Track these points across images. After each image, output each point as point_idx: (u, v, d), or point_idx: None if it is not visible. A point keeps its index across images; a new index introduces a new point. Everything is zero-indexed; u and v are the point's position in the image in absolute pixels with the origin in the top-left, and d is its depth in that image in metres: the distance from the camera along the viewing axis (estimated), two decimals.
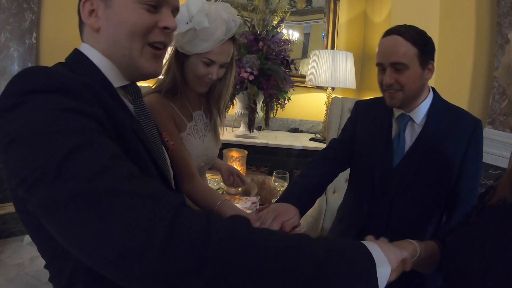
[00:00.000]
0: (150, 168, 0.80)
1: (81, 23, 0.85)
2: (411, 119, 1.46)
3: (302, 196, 1.43)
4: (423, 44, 1.34)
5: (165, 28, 0.84)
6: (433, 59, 1.39)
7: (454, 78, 2.87)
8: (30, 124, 0.59)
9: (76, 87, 0.64)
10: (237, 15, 1.45)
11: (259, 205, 2.02)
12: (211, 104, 1.60)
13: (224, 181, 1.79)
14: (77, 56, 0.83)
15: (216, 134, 1.64)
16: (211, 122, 1.62)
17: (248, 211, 1.91)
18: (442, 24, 2.91)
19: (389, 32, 1.38)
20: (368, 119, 1.59)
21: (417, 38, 1.33)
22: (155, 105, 1.40)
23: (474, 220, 0.98)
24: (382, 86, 1.42)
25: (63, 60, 0.84)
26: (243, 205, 2.00)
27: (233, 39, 1.45)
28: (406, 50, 1.32)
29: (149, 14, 0.81)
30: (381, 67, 1.41)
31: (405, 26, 1.37)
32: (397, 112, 1.50)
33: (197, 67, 1.42)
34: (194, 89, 1.50)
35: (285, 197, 1.40)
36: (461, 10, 2.96)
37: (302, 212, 1.38)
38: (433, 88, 1.49)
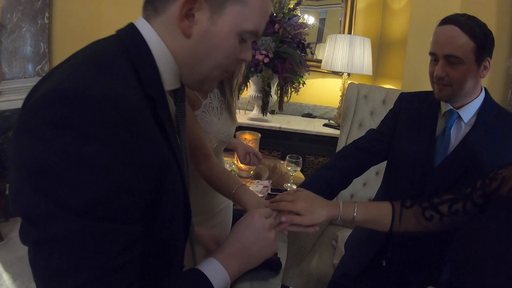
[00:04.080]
0: (178, 187, 0.76)
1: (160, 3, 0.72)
2: (459, 116, 1.36)
3: (324, 190, 1.36)
4: (482, 39, 1.24)
5: (242, 60, 0.79)
6: (490, 56, 1.30)
7: None
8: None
9: (122, 129, 0.56)
10: None
11: (271, 189, 2.03)
12: (224, 82, 1.59)
13: (240, 160, 1.80)
14: (140, 46, 0.71)
15: (231, 112, 1.64)
16: (226, 101, 1.62)
17: (260, 195, 1.92)
18: (463, 12, 2.86)
19: (446, 21, 1.28)
20: (412, 112, 1.49)
21: (476, 32, 1.23)
22: None
23: (486, 209, 1.00)
24: (432, 78, 1.33)
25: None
26: (255, 188, 2.01)
27: None
28: (463, 43, 1.23)
29: (239, 46, 0.75)
30: (434, 58, 1.32)
31: (464, 15, 1.27)
32: (444, 108, 1.40)
33: None
34: None
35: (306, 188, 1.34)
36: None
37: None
38: (485, 88, 1.39)
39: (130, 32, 0.72)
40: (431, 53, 1.32)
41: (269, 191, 2.01)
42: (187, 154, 0.92)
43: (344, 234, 2.09)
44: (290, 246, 1.99)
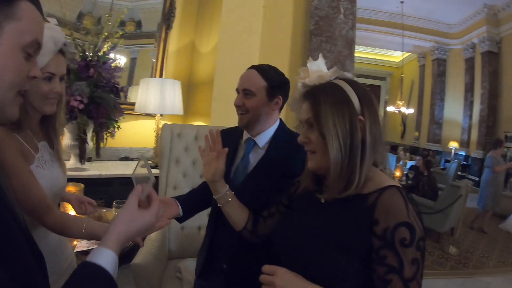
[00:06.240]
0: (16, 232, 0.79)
1: None
2: (255, 143, 1.74)
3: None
4: (274, 80, 1.68)
5: (33, 77, 0.84)
6: (282, 95, 1.72)
7: None
8: None
9: None
10: (68, 36, 1.45)
11: None
12: (50, 130, 1.58)
13: (76, 211, 1.77)
14: None
15: (62, 163, 1.62)
16: (55, 152, 1.60)
17: (94, 246, 1.91)
18: (261, 56, 3.36)
19: (251, 67, 1.74)
20: (224, 143, 1.76)
21: (269, 75, 1.68)
22: (1, 139, 1.34)
23: (291, 205, 1.42)
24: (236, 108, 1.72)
25: None
26: (89, 241, 1.99)
27: (61, 51, 1.48)
28: (256, 81, 1.67)
29: (26, 63, 0.80)
30: (238, 92, 1.73)
31: (268, 65, 1.73)
32: (245, 136, 1.77)
33: (40, 86, 1.39)
34: (43, 111, 1.45)
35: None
36: (278, 47, 3.47)
37: (187, 207, 1.73)
38: (281, 119, 1.80)
39: None
40: (236, 89, 1.74)
41: None
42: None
43: (186, 263, 2.25)
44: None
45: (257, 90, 1.66)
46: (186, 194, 1.87)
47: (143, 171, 1.29)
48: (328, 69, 1.32)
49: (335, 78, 1.26)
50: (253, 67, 1.73)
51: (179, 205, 1.71)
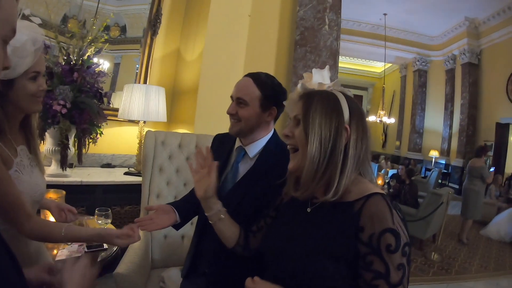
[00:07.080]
0: None
1: None
2: (245, 152, 1.70)
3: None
4: (268, 91, 1.64)
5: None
6: (277, 106, 1.67)
7: None
8: None
9: None
10: (53, 39, 1.44)
11: (87, 246, 1.98)
12: (27, 132, 1.55)
13: (55, 218, 1.73)
14: None
15: (41, 168, 1.59)
16: (34, 156, 1.57)
17: (77, 255, 1.88)
18: (246, 65, 3.36)
19: (247, 75, 1.70)
20: (218, 149, 1.79)
21: (265, 85, 1.64)
22: None
23: (277, 215, 1.44)
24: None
25: None
26: (70, 249, 1.96)
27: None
28: (251, 91, 1.63)
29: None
30: (232, 99, 1.68)
31: (265, 74, 1.69)
32: (237, 144, 1.75)
33: (27, 86, 1.39)
34: (32, 110, 1.45)
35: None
36: (263, 56, 3.48)
37: (183, 214, 1.74)
38: (275, 130, 1.76)
39: None
40: (231, 96, 1.70)
41: (85, 249, 1.97)
42: None
43: (169, 273, 2.20)
44: None
45: (250, 100, 1.63)
46: (179, 201, 1.87)
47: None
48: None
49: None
50: (249, 75, 1.69)
51: (176, 212, 1.71)
